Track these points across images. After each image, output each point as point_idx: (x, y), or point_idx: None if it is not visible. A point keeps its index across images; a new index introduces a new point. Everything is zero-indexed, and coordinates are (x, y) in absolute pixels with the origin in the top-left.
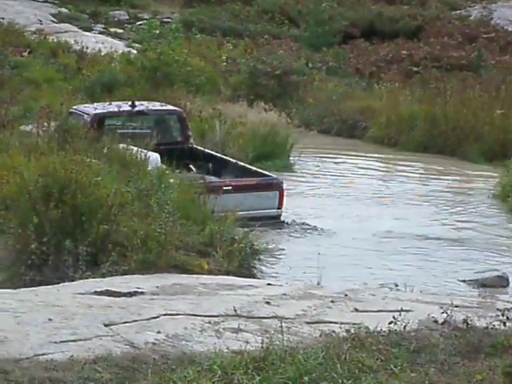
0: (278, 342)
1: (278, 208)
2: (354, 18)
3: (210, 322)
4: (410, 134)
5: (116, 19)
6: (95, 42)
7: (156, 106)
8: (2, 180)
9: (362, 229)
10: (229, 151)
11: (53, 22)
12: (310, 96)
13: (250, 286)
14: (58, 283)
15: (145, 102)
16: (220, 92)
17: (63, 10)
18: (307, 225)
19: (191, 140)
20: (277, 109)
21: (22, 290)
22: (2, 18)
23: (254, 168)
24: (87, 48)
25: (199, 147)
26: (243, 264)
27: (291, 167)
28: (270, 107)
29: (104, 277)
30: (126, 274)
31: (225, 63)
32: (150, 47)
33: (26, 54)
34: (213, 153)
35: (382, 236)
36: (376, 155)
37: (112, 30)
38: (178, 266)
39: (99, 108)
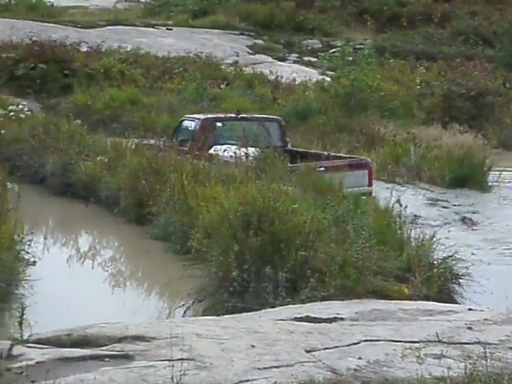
0: (481, 368)
1: (369, 185)
2: None
3: (410, 348)
4: None
5: (309, 48)
6: (290, 72)
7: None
8: (203, 210)
9: None
10: (424, 175)
11: (248, 53)
12: (507, 116)
13: (450, 311)
14: (259, 309)
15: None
16: (414, 115)
17: (258, 41)
18: (508, 248)
19: (289, 145)
20: (472, 130)
21: (225, 316)
22: (201, 52)
23: (346, 155)
24: (282, 77)
25: (294, 148)
26: (443, 289)
27: (490, 190)
28: (466, 129)
29: (303, 303)
30: (324, 300)
31: (418, 86)
32: (343, 74)
33: (223, 86)
34: (306, 150)
35: None
36: None
37: (306, 58)
38: (377, 292)
39: (209, 114)
